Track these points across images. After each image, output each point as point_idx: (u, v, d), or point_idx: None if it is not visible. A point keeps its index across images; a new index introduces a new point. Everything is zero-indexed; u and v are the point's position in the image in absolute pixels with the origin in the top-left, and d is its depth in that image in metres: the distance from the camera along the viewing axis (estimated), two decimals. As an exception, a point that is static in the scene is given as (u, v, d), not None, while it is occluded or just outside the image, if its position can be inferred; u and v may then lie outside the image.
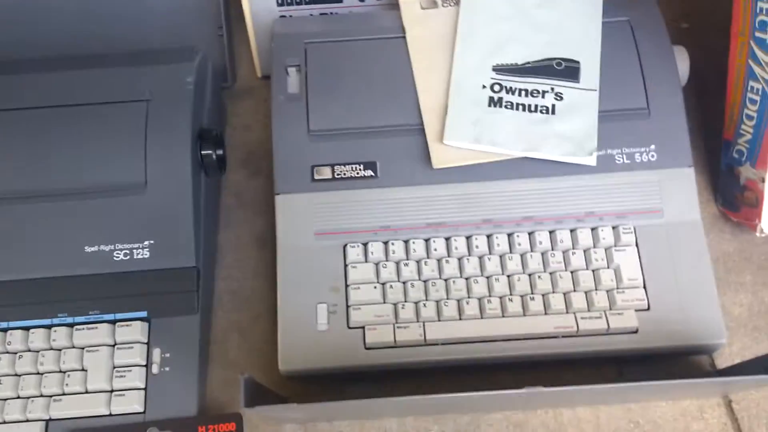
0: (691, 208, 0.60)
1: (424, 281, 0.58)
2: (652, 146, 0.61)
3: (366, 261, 0.59)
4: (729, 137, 0.65)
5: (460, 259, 0.59)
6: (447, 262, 0.59)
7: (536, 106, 0.61)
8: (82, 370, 0.55)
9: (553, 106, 0.60)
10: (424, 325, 0.57)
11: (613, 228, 0.60)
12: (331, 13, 0.70)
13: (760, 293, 0.63)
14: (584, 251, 0.59)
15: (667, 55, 0.63)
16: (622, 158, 0.60)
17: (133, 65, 0.62)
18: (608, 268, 0.59)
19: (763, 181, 0.60)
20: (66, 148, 0.59)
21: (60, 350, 0.55)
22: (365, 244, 0.59)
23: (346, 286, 0.58)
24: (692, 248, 0.59)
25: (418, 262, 0.59)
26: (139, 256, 0.57)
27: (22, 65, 0.63)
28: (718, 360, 0.60)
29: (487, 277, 0.58)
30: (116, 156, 0.59)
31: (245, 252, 0.66)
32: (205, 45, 0.69)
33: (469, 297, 0.58)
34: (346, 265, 0.59)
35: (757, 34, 0.58)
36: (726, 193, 0.66)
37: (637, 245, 0.59)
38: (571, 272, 0.59)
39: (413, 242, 0.59)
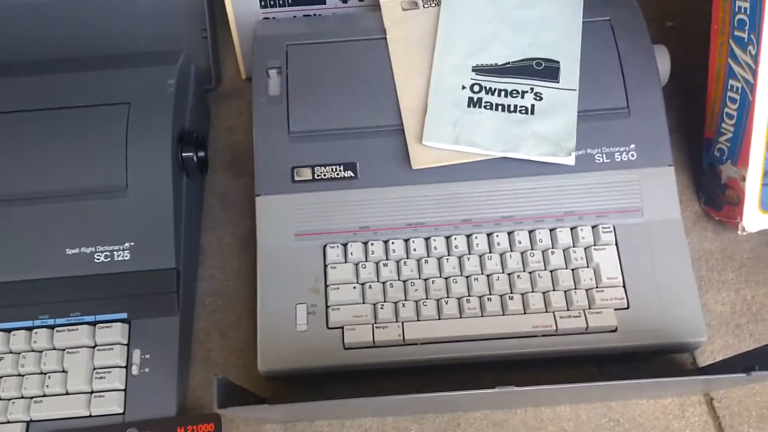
0: (671, 206, 0.60)
1: (404, 281, 0.59)
2: (632, 145, 0.61)
3: (345, 261, 0.59)
4: (710, 135, 0.65)
5: (439, 259, 0.59)
6: (426, 262, 0.59)
7: (515, 106, 0.61)
8: (63, 371, 0.55)
9: (533, 106, 0.61)
10: (402, 325, 0.57)
11: (593, 227, 0.60)
12: (315, 15, 0.70)
13: (743, 291, 0.63)
14: (563, 250, 0.59)
15: (647, 54, 0.62)
16: (602, 157, 0.60)
17: (115, 68, 0.63)
18: (588, 267, 0.59)
19: (743, 179, 0.60)
20: (46, 151, 0.59)
21: (41, 352, 0.56)
22: (345, 245, 0.59)
23: (326, 286, 0.58)
24: (672, 247, 0.59)
25: (397, 262, 0.59)
26: (120, 258, 0.57)
27: (2, 69, 0.63)
28: (700, 358, 0.60)
29: (467, 277, 0.59)
30: (97, 159, 0.59)
31: (228, 253, 0.66)
32: (190, 47, 0.69)
33: (448, 297, 0.58)
34: (325, 266, 0.59)
35: (736, 33, 0.58)
36: (708, 191, 0.66)
37: (616, 244, 0.59)
38: (551, 271, 0.59)
39: (393, 242, 0.59)
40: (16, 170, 0.59)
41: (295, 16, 0.70)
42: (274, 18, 0.70)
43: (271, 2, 0.69)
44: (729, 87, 0.60)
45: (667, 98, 0.63)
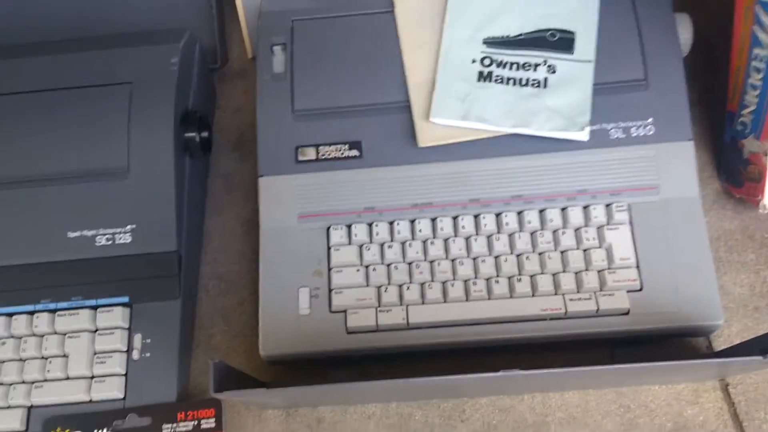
0: (690, 184, 0.57)
1: (409, 263, 0.57)
2: (650, 119, 0.58)
3: (350, 243, 0.58)
4: (732, 108, 0.61)
5: (445, 241, 0.57)
6: (432, 243, 0.57)
7: (528, 79, 0.58)
8: (64, 356, 0.55)
9: (546, 79, 0.58)
10: (407, 309, 0.55)
11: (607, 206, 0.57)
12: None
13: (763, 272, 0.60)
14: (575, 230, 0.57)
15: (668, 23, 0.59)
16: (618, 132, 0.58)
17: (117, 47, 0.61)
18: (600, 247, 0.57)
19: (766, 154, 0.57)
20: (48, 133, 0.58)
21: (42, 336, 0.55)
22: (349, 226, 0.58)
23: (329, 269, 0.57)
24: (689, 226, 0.56)
25: (402, 243, 0.57)
26: (121, 241, 0.57)
27: (3, 50, 0.63)
28: (716, 342, 0.58)
29: (474, 259, 0.57)
30: (99, 140, 0.58)
31: (232, 236, 0.65)
32: (196, 26, 0.68)
33: (454, 279, 0.56)
34: (329, 248, 0.58)
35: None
36: (729, 167, 0.63)
37: (631, 223, 0.57)
38: (561, 252, 0.57)
39: (398, 223, 0.58)
40: (16, 153, 0.58)
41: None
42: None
43: (277, -22, 0.67)
44: (753, 56, 0.57)
45: (688, 69, 0.59)
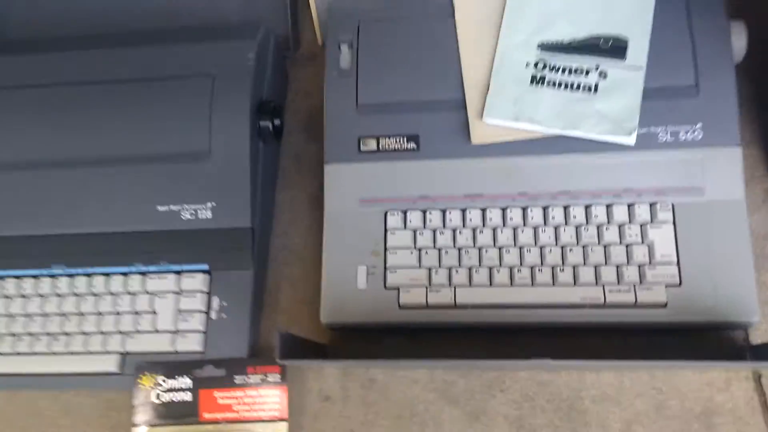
0: (736, 187, 0.59)
1: (458, 249, 0.62)
2: (699, 124, 0.60)
3: (405, 228, 0.63)
4: (785, 114, 0.62)
5: (494, 230, 0.62)
6: (481, 232, 0.62)
7: (579, 84, 0.61)
8: (153, 312, 0.63)
9: (596, 84, 0.61)
10: (455, 290, 0.60)
11: (651, 205, 0.60)
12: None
13: (806, 272, 0.62)
14: (619, 227, 0.60)
15: (722, 31, 0.61)
16: (666, 136, 0.60)
17: (201, 41, 0.68)
18: (642, 243, 0.60)
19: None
20: (141, 119, 0.66)
21: (134, 294, 0.64)
22: (405, 212, 0.63)
23: (385, 250, 0.63)
24: (732, 228, 0.59)
25: (453, 230, 0.62)
26: (203, 216, 0.64)
27: (101, 40, 0.70)
28: (754, 335, 0.60)
29: (520, 248, 0.61)
30: (184, 126, 0.65)
31: (300, 211, 0.71)
32: (271, 16, 0.73)
33: (500, 266, 0.61)
34: (386, 231, 0.63)
35: None
36: (780, 170, 0.64)
37: (674, 223, 0.60)
38: (604, 246, 0.60)
39: (450, 212, 0.63)
40: (114, 135, 0.66)
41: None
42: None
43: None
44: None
45: (747, 70, 0.60)
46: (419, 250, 0.62)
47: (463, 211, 0.63)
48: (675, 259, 0.59)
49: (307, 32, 0.80)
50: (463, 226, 0.62)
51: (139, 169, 0.65)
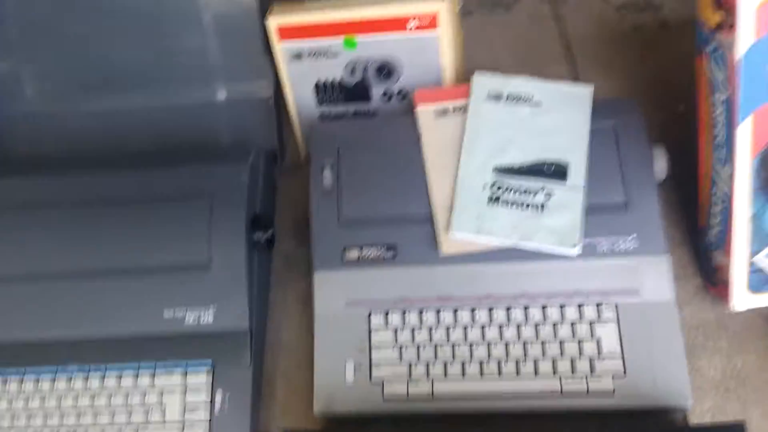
0: (666, 290, 0.69)
1: (434, 345, 0.70)
2: (633, 235, 0.70)
3: (387, 327, 0.71)
4: (703, 224, 0.74)
5: (465, 328, 0.71)
6: (453, 330, 0.71)
7: (528, 203, 0.71)
8: (162, 404, 0.70)
9: (543, 204, 0.71)
10: (432, 382, 0.69)
11: (597, 305, 0.70)
12: (363, 112, 0.83)
13: (734, 358, 0.72)
14: (571, 324, 0.70)
15: (645, 156, 0.72)
16: (604, 246, 0.70)
17: (198, 164, 0.78)
18: (591, 339, 0.69)
19: (729, 268, 0.69)
20: (149, 236, 0.74)
21: (144, 391, 0.71)
22: (386, 313, 0.72)
23: (370, 347, 0.71)
24: (666, 324, 0.68)
25: (429, 329, 0.71)
26: (204, 321, 0.71)
27: (102, 163, 0.79)
28: (691, 416, 0.69)
29: (488, 344, 0.70)
30: (187, 241, 0.74)
31: (292, 308, 0.79)
32: (260, 131, 0.84)
33: (471, 360, 0.69)
34: (370, 330, 0.71)
35: (716, 150, 0.67)
36: (705, 269, 0.75)
37: (617, 321, 0.69)
38: (559, 342, 0.69)
39: (425, 312, 0.71)
40: (126, 250, 0.74)
41: (346, 111, 0.83)
42: (329, 111, 0.83)
43: (326, 100, 0.83)
44: (713, 192, 0.69)
45: (675, 183, 0.71)
46: (400, 346, 0.71)
47: (437, 311, 0.71)
48: (619, 353, 0.68)
49: (292, 143, 0.90)
50: (438, 324, 0.71)
51: (147, 280, 0.73)
